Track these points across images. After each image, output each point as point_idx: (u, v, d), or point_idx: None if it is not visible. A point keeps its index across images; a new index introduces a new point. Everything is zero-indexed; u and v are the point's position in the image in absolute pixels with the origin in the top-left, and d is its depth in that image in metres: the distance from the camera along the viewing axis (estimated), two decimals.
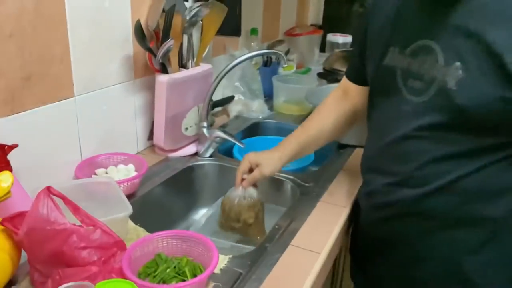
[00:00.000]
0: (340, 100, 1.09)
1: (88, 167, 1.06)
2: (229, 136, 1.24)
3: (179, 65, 1.22)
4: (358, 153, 1.08)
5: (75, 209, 0.73)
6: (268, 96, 1.77)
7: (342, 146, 1.37)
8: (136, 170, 1.09)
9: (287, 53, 2.04)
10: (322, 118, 1.09)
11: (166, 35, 1.13)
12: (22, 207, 0.77)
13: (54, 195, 0.71)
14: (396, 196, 0.86)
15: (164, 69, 1.16)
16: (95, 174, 1.07)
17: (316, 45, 2.34)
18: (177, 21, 1.15)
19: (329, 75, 1.79)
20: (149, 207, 1.09)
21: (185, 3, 1.22)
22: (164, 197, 1.15)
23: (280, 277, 0.80)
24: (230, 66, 1.20)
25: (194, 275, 0.76)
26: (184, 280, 0.75)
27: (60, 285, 0.65)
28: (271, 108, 1.71)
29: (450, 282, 0.85)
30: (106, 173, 1.08)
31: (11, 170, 0.82)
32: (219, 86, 1.51)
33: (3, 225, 0.72)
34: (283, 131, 1.44)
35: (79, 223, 0.73)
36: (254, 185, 1.04)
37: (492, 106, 0.71)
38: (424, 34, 0.80)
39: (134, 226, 0.93)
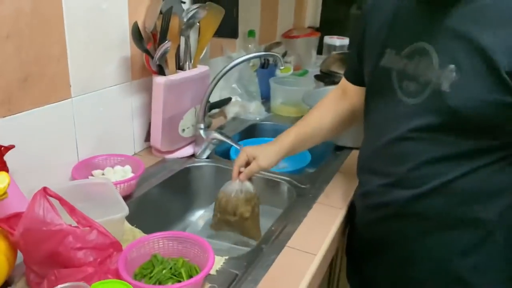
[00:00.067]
0: (339, 100, 1.10)
1: (85, 168, 1.06)
2: (226, 138, 1.24)
3: (176, 66, 1.23)
4: (355, 155, 1.09)
5: (71, 210, 0.74)
6: (266, 98, 1.77)
7: (338, 148, 1.37)
8: (133, 172, 1.09)
9: (284, 55, 2.05)
10: (320, 115, 1.10)
11: (163, 37, 1.13)
12: (19, 208, 0.77)
13: (50, 196, 0.71)
14: (390, 197, 0.87)
15: (161, 71, 1.17)
16: (92, 175, 1.07)
17: (314, 47, 2.34)
18: (174, 23, 1.16)
19: (326, 77, 1.79)
20: (145, 208, 1.09)
21: (183, 5, 1.22)
22: (161, 198, 1.15)
23: (276, 278, 0.81)
24: (227, 68, 1.21)
25: (190, 276, 0.76)
26: (180, 281, 0.75)
27: (55, 286, 0.65)
28: (268, 109, 1.72)
29: (445, 283, 0.85)
30: (103, 174, 1.08)
31: (7, 171, 0.82)
32: (217, 88, 1.52)
33: None
34: (280, 133, 1.44)
35: (75, 224, 0.73)
36: (250, 179, 1.04)
37: (485, 109, 0.72)
38: (420, 37, 0.81)
39: (130, 227, 0.93)
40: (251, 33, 1.83)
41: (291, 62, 2.09)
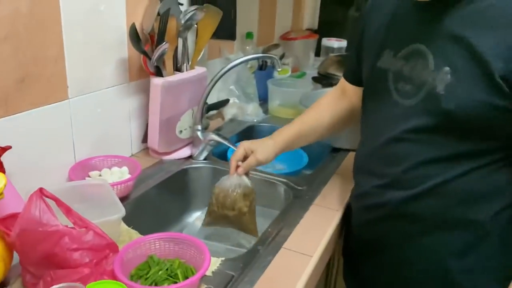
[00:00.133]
0: (338, 98, 1.11)
1: (82, 169, 1.06)
2: (223, 139, 1.25)
3: (174, 68, 1.23)
4: (352, 156, 1.09)
5: (68, 211, 0.74)
6: (263, 100, 1.77)
7: (335, 150, 1.38)
8: (130, 173, 1.09)
9: (282, 57, 2.05)
10: (319, 112, 1.11)
11: (161, 39, 1.13)
12: (15, 208, 0.77)
13: (47, 196, 0.71)
14: (385, 198, 0.87)
15: (159, 72, 1.17)
16: (89, 176, 1.07)
17: (312, 49, 2.35)
18: (172, 24, 1.16)
19: (323, 79, 1.80)
20: (142, 210, 1.09)
21: (180, 6, 1.22)
22: (158, 199, 1.15)
23: (272, 280, 0.81)
24: (225, 69, 1.21)
25: (186, 278, 0.76)
26: (176, 283, 0.75)
27: (51, 286, 0.65)
28: (266, 111, 1.72)
29: (440, 284, 0.86)
30: (100, 175, 1.08)
31: (4, 171, 0.82)
32: (214, 89, 1.52)
33: None
34: None
35: (72, 225, 0.73)
36: (246, 174, 1.04)
37: (478, 112, 0.72)
38: (417, 38, 0.81)
39: (127, 228, 0.93)
40: (249, 35, 1.83)
41: (289, 64, 2.10)
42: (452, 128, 0.76)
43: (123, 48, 1.15)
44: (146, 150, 1.30)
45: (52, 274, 0.69)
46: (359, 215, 0.98)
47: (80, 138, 1.07)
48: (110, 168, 1.10)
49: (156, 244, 0.82)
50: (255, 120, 1.64)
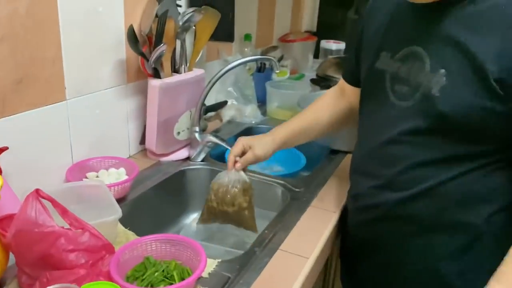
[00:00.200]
0: (337, 98, 1.11)
1: (79, 170, 1.06)
2: (221, 141, 1.25)
3: (172, 69, 1.23)
4: (349, 158, 1.09)
5: (64, 212, 0.74)
6: (262, 102, 1.78)
7: (333, 152, 1.38)
8: (127, 174, 1.09)
9: (280, 59, 2.06)
10: (318, 110, 1.11)
11: (158, 40, 1.13)
12: (11, 209, 0.77)
13: (43, 197, 0.71)
14: (379, 199, 0.88)
15: (156, 74, 1.17)
16: (86, 177, 1.07)
17: (310, 52, 2.35)
18: (170, 26, 1.16)
19: (322, 82, 1.80)
20: (139, 211, 1.09)
21: (179, 8, 1.23)
22: (155, 201, 1.15)
23: (268, 282, 0.81)
24: (223, 71, 1.21)
25: (182, 279, 0.77)
26: (172, 284, 0.75)
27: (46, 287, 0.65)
28: (264, 113, 1.72)
29: (432, 286, 0.86)
30: (97, 176, 1.08)
31: (0, 172, 0.82)
32: (212, 91, 1.52)
33: None
34: None
35: (68, 226, 0.73)
36: (243, 170, 1.04)
37: (472, 114, 0.73)
38: (414, 41, 0.81)
39: (123, 230, 0.93)
40: (247, 37, 1.84)
41: (288, 66, 2.10)
42: (447, 130, 0.76)
43: (121, 49, 1.15)
44: (144, 151, 1.30)
45: (48, 275, 0.69)
46: (355, 215, 0.99)
47: (78, 139, 1.07)
48: (107, 169, 1.10)
49: (152, 245, 0.82)
50: (253, 122, 1.64)
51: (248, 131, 1.60)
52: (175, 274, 0.78)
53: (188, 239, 0.82)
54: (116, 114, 1.19)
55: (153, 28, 1.14)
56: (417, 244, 0.86)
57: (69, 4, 0.97)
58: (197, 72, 1.28)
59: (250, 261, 0.86)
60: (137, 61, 1.19)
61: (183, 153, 1.29)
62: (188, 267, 0.80)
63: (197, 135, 1.26)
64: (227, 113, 1.61)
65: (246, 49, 1.83)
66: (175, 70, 1.25)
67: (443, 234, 0.83)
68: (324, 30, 2.53)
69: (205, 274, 0.81)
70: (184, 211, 1.28)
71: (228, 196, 1.01)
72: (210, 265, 0.83)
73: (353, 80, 1.05)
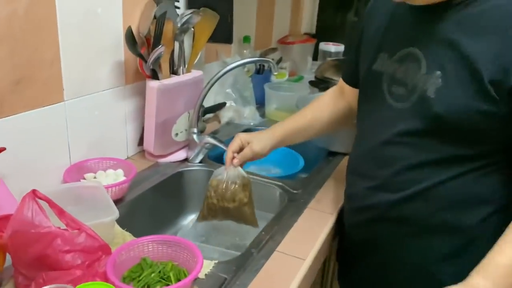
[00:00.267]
0: (337, 98, 1.12)
1: (77, 171, 1.06)
2: (219, 142, 1.25)
3: (170, 71, 1.23)
4: (347, 160, 1.10)
5: (60, 213, 0.74)
6: (260, 103, 1.78)
7: (332, 154, 1.38)
8: (125, 175, 1.09)
9: (279, 61, 2.06)
10: (318, 109, 1.11)
11: (157, 42, 1.14)
12: (8, 210, 0.77)
13: (40, 198, 0.72)
14: (373, 200, 0.88)
15: (155, 75, 1.17)
16: (84, 178, 1.07)
17: (309, 54, 2.36)
18: (168, 27, 1.16)
19: (320, 84, 1.80)
20: (137, 212, 1.09)
21: (177, 10, 1.23)
22: (153, 202, 1.15)
23: (264, 283, 0.81)
24: (221, 73, 1.21)
25: (179, 280, 0.77)
26: (168, 285, 0.75)
27: None
28: (262, 115, 1.72)
29: (427, 287, 0.86)
30: (95, 177, 1.08)
31: None
32: (211, 93, 1.52)
33: None
34: None
35: (64, 227, 0.73)
36: (241, 165, 1.04)
37: (467, 116, 0.73)
38: (411, 42, 0.82)
39: (121, 231, 0.93)
40: (246, 39, 1.84)
41: (287, 68, 2.10)
42: (443, 132, 0.76)
43: (120, 51, 1.16)
44: (142, 152, 1.30)
45: (44, 276, 0.69)
46: (351, 216, 0.99)
47: (76, 140, 1.07)
48: (105, 170, 1.10)
49: (149, 246, 0.82)
50: (252, 124, 1.64)
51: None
52: (171, 275, 0.78)
53: (185, 241, 0.82)
54: (114, 115, 1.19)
55: (152, 30, 1.14)
56: (412, 245, 0.86)
57: (67, 5, 0.97)
58: (195, 73, 1.29)
59: (246, 262, 0.86)
60: (136, 62, 1.19)
61: (181, 155, 1.29)
62: (185, 268, 0.80)
63: (195, 136, 1.27)
64: (225, 115, 1.61)
65: (245, 51, 1.83)
66: (174, 71, 1.25)
67: (438, 236, 0.83)
68: (323, 32, 2.53)
69: (201, 275, 0.81)
70: (182, 212, 1.28)
71: (228, 192, 1.01)
72: (207, 266, 0.83)
73: (352, 80, 1.05)
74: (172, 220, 1.25)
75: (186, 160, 1.29)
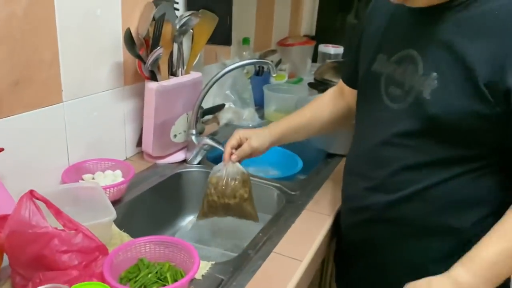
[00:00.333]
0: (336, 98, 1.12)
1: (75, 172, 1.07)
2: (217, 144, 1.25)
3: (169, 72, 1.24)
4: None
5: (57, 213, 0.74)
6: (259, 105, 1.78)
7: (330, 155, 1.38)
8: (123, 176, 1.10)
9: (278, 63, 2.07)
10: (317, 108, 1.12)
11: (155, 43, 1.14)
12: (6, 211, 0.77)
13: (37, 198, 0.72)
14: (369, 200, 0.88)
15: (153, 77, 1.17)
16: (82, 179, 1.07)
17: (309, 56, 2.36)
18: (167, 29, 1.17)
19: (319, 85, 1.81)
20: (135, 213, 1.09)
21: (176, 12, 1.23)
22: (151, 203, 1.15)
23: (261, 284, 0.81)
24: (220, 74, 1.22)
25: (176, 281, 0.77)
26: (165, 285, 0.76)
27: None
28: (261, 116, 1.73)
29: None
30: (93, 178, 1.08)
31: None
32: (210, 94, 1.53)
33: None
34: None
35: (62, 227, 0.73)
36: (238, 162, 1.04)
37: (462, 118, 0.73)
38: (410, 44, 0.82)
39: (118, 231, 0.94)
40: (245, 41, 1.84)
41: (286, 70, 2.11)
42: (438, 134, 0.77)
43: (119, 52, 1.16)
44: (140, 154, 1.30)
45: (41, 276, 0.70)
46: (348, 216, 0.99)
47: (74, 141, 1.07)
48: (103, 171, 1.10)
49: (146, 247, 0.82)
50: (251, 125, 1.64)
51: None
52: (168, 275, 0.78)
53: (182, 241, 0.82)
54: (113, 116, 1.20)
55: (150, 31, 1.15)
56: (406, 247, 0.86)
57: (67, 6, 0.98)
58: (194, 75, 1.29)
59: (244, 263, 0.86)
60: (135, 64, 1.19)
61: (179, 156, 1.30)
62: (182, 269, 0.80)
63: (193, 138, 1.27)
64: (224, 116, 1.61)
65: (244, 53, 1.83)
66: (172, 73, 1.25)
67: (432, 238, 0.83)
68: (322, 34, 2.54)
69: (198, 276, 0.81)
70: (180, 213, 1.28)
71: (229, 189, 1.02)
72: (204, 267, 0.83)
73: (351, 81, 1.05)
74: (170, 221, 1.25)
75: (184, 161, 1.29)
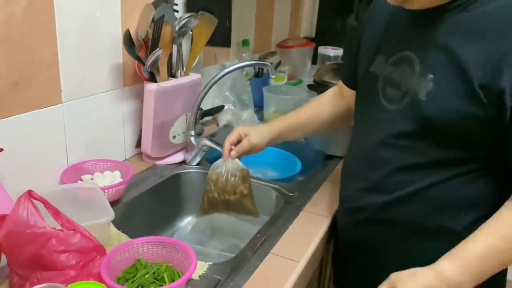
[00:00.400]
0: (336, 98, 1.13)
1: (74, 173, 1.07)
2: (216, 145, 1.25)
3: (168, 74, 1.24)
4: None
5: (56, 213, 0.74)
6: (259, 107, 1.78)
7: (329, 157, 1.39)
8: (122, 177, 1.10)
9: (278, 64, 2.07)
10: (317, 107, 1.12)
11: (155, 45, 1.14)
12: (4, 210, 0.77)
13: (35, 199, 0.72)
14: (365, 201, 0.89)
15: (152, 78, 1.18)
16: (81, 180, 1.07)
17: (308, 57, 2.37)
18: (166, 31, 1.17)
19: (319, 87, 1.81)
20: (134, 214, 1.09)
21: (175, 13, 1.24)
22: (150, 204, 1.15)
23: (258, 285, 0.81)
24: (219, 76, 1.22)
25: (173, 281, 0.77)
26: (162, 286, 0.76)
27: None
28: (261, 118, 1.73)
29: None
30: (92, 179, 1.08)
31: None
32: (209, 96, 1.53)
33: None
34: None
35: (60, 227, 0.74)
36: (238, 158, 1.05)
37: (457, 120, 0.73)
38: (407, 45, 0.82)
39: (117, 232, 0.94)
40: (245, 43, 1.85)
41: (286, 72, 2.11)
42: (433, 135, 0.77)
43: (118, 53, 1.16)
44: (139, 154, 1.30)
45: (39, 276, 0.70)
46: (344, 217, 1.00)
47: (73, 142, 1.08)
48: (102, 172, 1.11)
49: (144, 247, 0.83)
50: None
51: None
52: (165, 276, 0.78)
53: (180, 242, 0.83)
54: (112, 117, 1.20)
55: (150, 33, 1.15)
56: (401, 248, 0.86)
57: (66, 8, 0.98)
58: (193, 76, 1.29)
59: (241, 264, 0.86)
60: (134, 65, 1.20)
61: (178, 157, 1.30)
62: (179, 270, 0.80)
63: (192, 139, 1.27)
64: (223, 118, 1.62)
65: (244, 55, 1.84)
66: (172, 74, 1.26)
67: (426, 240, 0.84)
68: (322, 36, 2.55)
69: (195, 277, 0.81)
70: (179, 214, 1.28)
71: (229, 185, 1.02)
72: (201, 268, 0.84)
73: (351, 82, 1.06)
74: (169, 222, 1.25)
75: (183, 162, 1.30)
